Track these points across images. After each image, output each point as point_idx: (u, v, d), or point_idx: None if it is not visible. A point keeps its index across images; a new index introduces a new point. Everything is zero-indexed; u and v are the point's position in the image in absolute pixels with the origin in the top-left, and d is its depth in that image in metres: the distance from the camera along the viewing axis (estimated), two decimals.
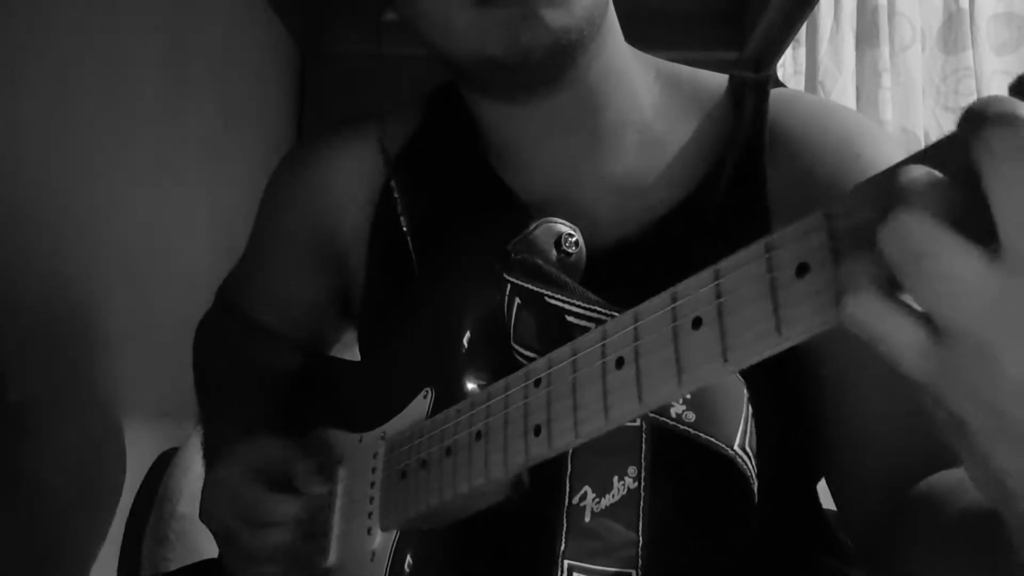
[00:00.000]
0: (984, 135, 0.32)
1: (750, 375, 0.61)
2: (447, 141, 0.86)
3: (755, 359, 0.42)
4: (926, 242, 0.33)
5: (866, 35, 2.19)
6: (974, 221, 0.34)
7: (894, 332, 0.35)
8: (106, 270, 1.25)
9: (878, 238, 0.35)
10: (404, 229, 0.82)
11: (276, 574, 0.73)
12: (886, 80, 2.14)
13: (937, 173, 0.35)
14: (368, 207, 0.87)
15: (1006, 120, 0.32)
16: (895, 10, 2.18)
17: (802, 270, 0.39)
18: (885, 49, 2.15)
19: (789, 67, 2.25)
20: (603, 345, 0.50)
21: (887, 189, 0.36)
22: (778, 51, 2.08)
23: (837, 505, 0.75)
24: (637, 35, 0.83)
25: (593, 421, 0.51)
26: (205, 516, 0.77)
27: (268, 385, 0.88)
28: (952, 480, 0.59)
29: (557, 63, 0.73)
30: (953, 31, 2.15)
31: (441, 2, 0.70)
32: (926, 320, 0.35)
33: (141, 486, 1.33)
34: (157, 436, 1.39)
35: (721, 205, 0.74)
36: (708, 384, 0.50)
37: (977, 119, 0.33)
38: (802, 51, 2.26)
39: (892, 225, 0.34)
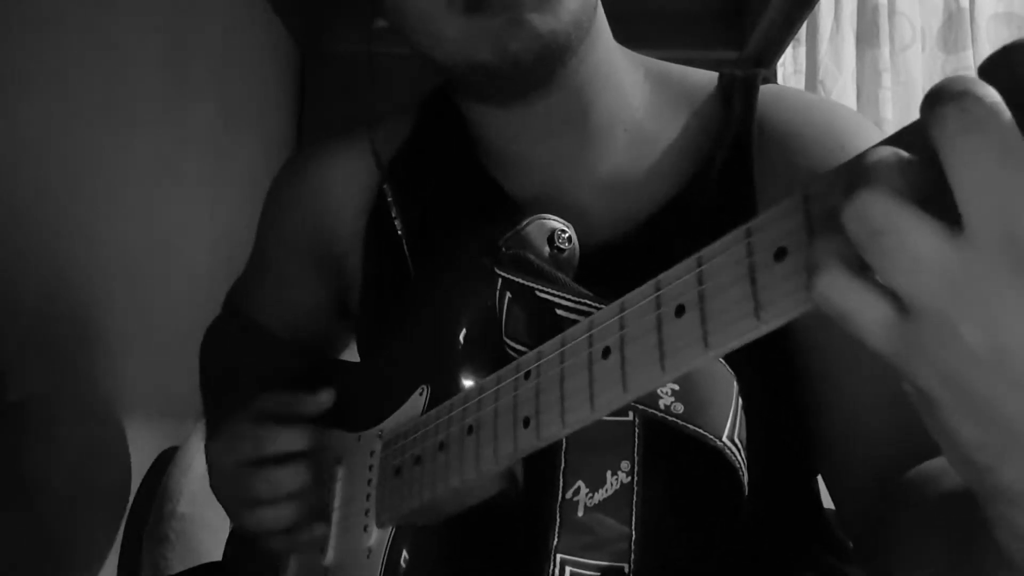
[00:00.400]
0: (939, 113, 0.33)
1: (742, 369, 0.61)
2: (440, 144, 0.86)
3: (735, 344, 0.42)
4: (886, 218, 0.34)
5: (866, 35, 2.19)
6: (942, 201, 0.34)
7: (860, 308, 0.36)
8: (106, 270, 1.25)
9: (842, 217, 0.35)
10: (399, 232, 0.82)
11: (290, 519, 0.72)
12: (886, 80, 2.14)
13: (901, 152, 0.35)
14: (364, 212, 0.87)
15: (959, 97, 0.32)
16: (895, 9, 2.17)
17: (780, 254, 0.39)
18: (885, 49, 2.15)
19: (789, 66, 2.25)
20: (590, 335, 0.50)
21: (857, 170, 0.36)
22: (778, 50, 2.08)
23: (835, 503, 0.74)
24: (637, 34, 0.83)
25: (579, 411, 0.51)
26: (213, 478, 0.77)
27: (271, 388, 0.88)
28: (935, 466, 0.59)
29: (546, 67, 0.73)
30: (953, 31, 2.15)
31: (429, 11, 0.71)
32: (892, 296, 0.35)
33: (141, 485, 1.33)
34: (157, 435, 1.39)
35: (711, 201, 0.75)
36: (691, 370, 0.51)
37: (935, 99, 0.33)
38: (802, 50, 2.25)
39: (854, 203, 0.34)
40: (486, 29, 0.69)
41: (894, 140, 0.37)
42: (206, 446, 0.81)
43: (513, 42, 0.69)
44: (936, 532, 0.54)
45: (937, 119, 0.33)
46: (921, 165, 0.34)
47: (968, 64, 2.12)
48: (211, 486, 0.78)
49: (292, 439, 0.73)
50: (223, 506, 0.78)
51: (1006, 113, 0.32)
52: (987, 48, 2.13)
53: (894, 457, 0.64)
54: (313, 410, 0.75)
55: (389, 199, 0.83)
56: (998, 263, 0.33)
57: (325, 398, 0.75)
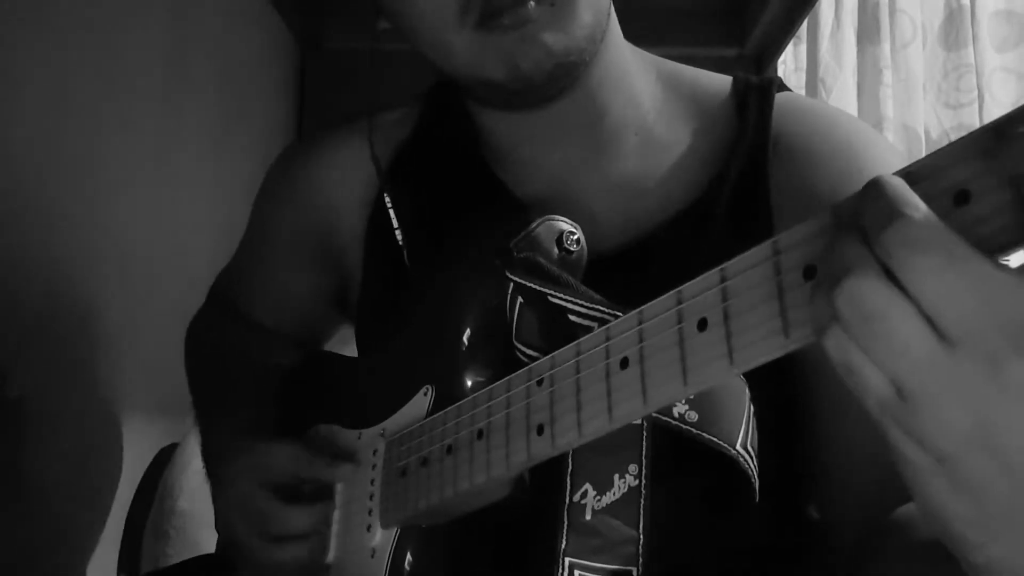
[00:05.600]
0: (879, 233, 0.35)
1: (752, 375, 0.61)
2: (444, 141, 0.85)
3: (761, 361, 0.42)
4: (876, 306, 0.35)
5: (867, 31, 2.19)
6: None
7: (862, 377, 0.37)
8: (106, 267, 1.25)
9: (834, 300, 0.36)
10: (397, 233, 0.81)
11: None
12: (887, 77, 2.13)
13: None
14: (365, 205, 0.86)
15: (897, 218, 0.34)
16: (896, 7, 2.17)
17: (810, 272, 0.39)
18: (886, 46, 2.15)
19: (790, 64, 2.24)
20: (607, 346, 0.50)
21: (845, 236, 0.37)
22: (779, 48, 2.08)
23: (825, 527, 0.74)
24: (637, 32, 0.82)
25: (597, 420, 0.51)
26: (222, 527, 0.77)
27: (263, 382, 0.88)
28: (914, 511, 0.60)
29: (558, 84, 0.72)
30: (954, 27, 2.14)
31: (439, 24, 0.69)
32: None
33: (141, 482, 1.33)
34: (156, 432, 1.39)
35: (726, 211, 0.74)
36: (713, 385, 0.50)
37: (869, 213, 0.36)
38: (803, 48, 2.25)
39: (846, 286, 0.35)
40: (497, 46, 0.68)
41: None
42: (213, 494, 0.80)
43: (525, 61, 0.68)
44: (913, 569, 0.55)
45: (877, 237, 0.34)
46: None
47: (969, 61, 2.12)
48: (216, 527, 0.78)
49: (300, 523, 0.72)
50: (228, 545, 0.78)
51: (940, 225, 0.34)
52: (988, 45, 2.12)
53: (881, 501, 0.63)
54: (336, 479, 0.73)
55: (387, 201, 0.82)
56: (976, 358, 0.34)
57: (348, 471, 0.73)
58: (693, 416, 0.60)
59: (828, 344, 0.37)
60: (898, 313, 0.34)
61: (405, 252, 0.81)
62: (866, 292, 0.35)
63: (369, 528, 0.69)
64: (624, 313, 0.50)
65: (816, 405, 0.71)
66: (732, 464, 0.60)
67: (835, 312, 0.36)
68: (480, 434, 0.59)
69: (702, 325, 0.44)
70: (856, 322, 0.35)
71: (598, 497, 0.62)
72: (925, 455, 0.37)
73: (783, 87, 0.81)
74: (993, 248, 0.34)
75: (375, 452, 0.71)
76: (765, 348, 0.41)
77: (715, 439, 0.60)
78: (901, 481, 0.39)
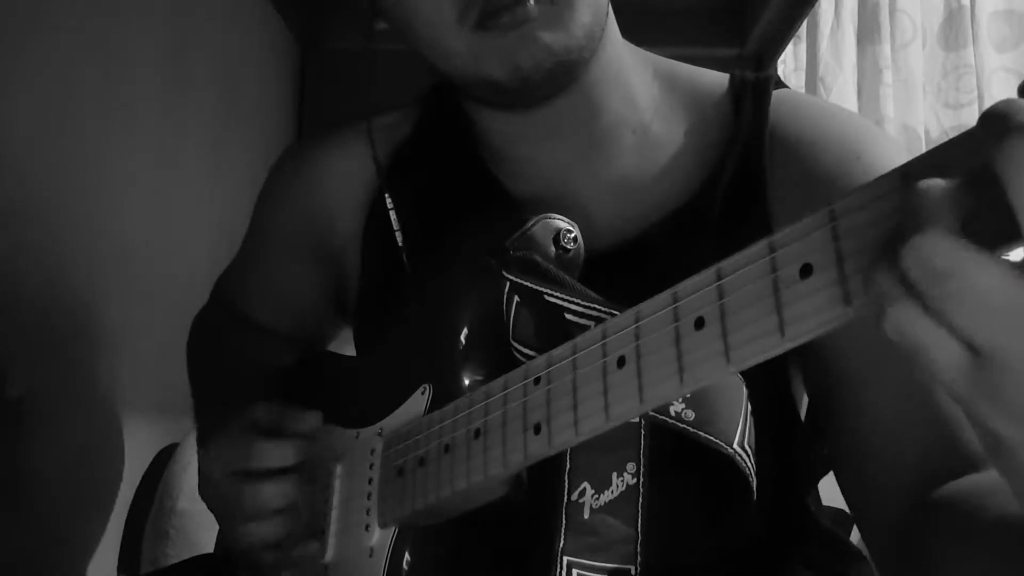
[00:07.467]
0: (1008, 146, 0.31)
1: (748, 373, 0.61)
2: (442, 142, 0.85)
3: (758, 359, 0.42)
4: (949, 263, 0.32)
5: (867, 31, 2.19)
6: (985, 222, 0.33)
7: (934, 346, 0.34)
8: (106, 266, 1.25)
9: (901, 261, 0.33)
10: (396, 232, 0.82)
11: (278, 535, 0.71)
12: (887, 77, 2.13)
13: (952, 185, 0.33)
14: (363, 206, 0.87)
15: None
16: (896, 7, 2.17)
17: (806, 270, 0.39)
18: (886, 46, 2.15)
19: (790, 63, 2.25)
20: (604, 344, 0.50)
21: (899, 197, 0.35)
22: (779, 47, 2.08)
23: (855, 513, 0.72)
24: (637, 31, 0.82)
25: (593, 419, 0.50)
26: (203, 487, 0.76)
27: (262, 381, 0.88)
28: (985, 485, 0.57)
29: (557, 83, 0.72)
30: (954, 28, 2.15)
31: (438, 25, 0.69)
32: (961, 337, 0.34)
33: (141, 482, 1.33)
34: (156, 432, 1.39)
35: (722, 208, 0.74)
36: (709, 384, 0.50)
37: (999, 126, 0.31)
38: (803, 47, 2.25)
39: (915, 247, 0.33)
40: (497, 46, 0.68)
41: (929, 161, 0.36)
42: (198, 452, 0.79)
43: (525, 60, 0.68)
44: (990, 550, 0.53)
45: (1004, 152, 0.31)
46: (966, 191, 0.33)
47: (968, 62, 2.12)
48: (200, 494, 0.77)
49: (281, 454, 0.71)
50: (213, 515, 0.77)
51: None
52: (988, 45, 2.12)
53: (928, 471, 0.62)
54: (303, 429, 0.73)
55: (388, 200, 0.83)
56: None
57: (313, 420, 0.73)
58: (690, 415, 0.60)
59: (895, 323, 0.35)
60: (973, 265, 0.32)
61: (400, 240, 0.81)
62: (937, 250, 0.33)
63: (367, 527, 0.69)
64: (620, 312, 0.50)
65: (843, 391, 0.70)
66: (730, 463, 0.60)
67: (904, 278, 0.34)
68: (477, 433, 0.59)
69: (699, 324, 0.44)
70: (929, 283, 0.33)
71: (596, 496, 0.62)
72: (1009, 420, 0.34)
73: (780, 84, 0.81)
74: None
75: (373, 451, 0.71)
76: (761, 346, 0.41)
77: (712, 438, 0.60)
78: (942, 456, 0.37)
